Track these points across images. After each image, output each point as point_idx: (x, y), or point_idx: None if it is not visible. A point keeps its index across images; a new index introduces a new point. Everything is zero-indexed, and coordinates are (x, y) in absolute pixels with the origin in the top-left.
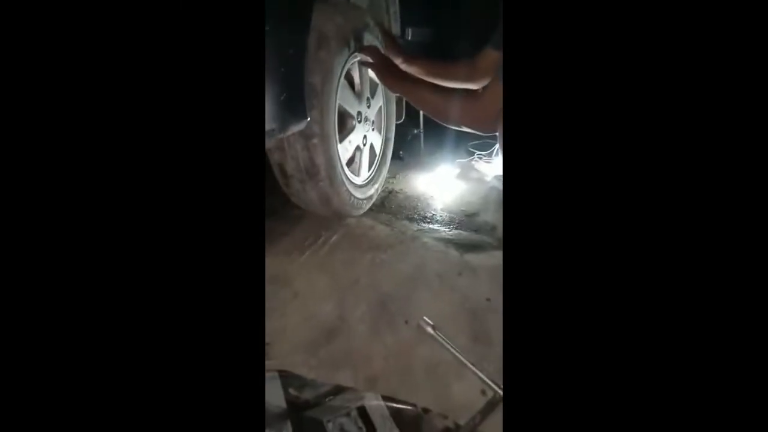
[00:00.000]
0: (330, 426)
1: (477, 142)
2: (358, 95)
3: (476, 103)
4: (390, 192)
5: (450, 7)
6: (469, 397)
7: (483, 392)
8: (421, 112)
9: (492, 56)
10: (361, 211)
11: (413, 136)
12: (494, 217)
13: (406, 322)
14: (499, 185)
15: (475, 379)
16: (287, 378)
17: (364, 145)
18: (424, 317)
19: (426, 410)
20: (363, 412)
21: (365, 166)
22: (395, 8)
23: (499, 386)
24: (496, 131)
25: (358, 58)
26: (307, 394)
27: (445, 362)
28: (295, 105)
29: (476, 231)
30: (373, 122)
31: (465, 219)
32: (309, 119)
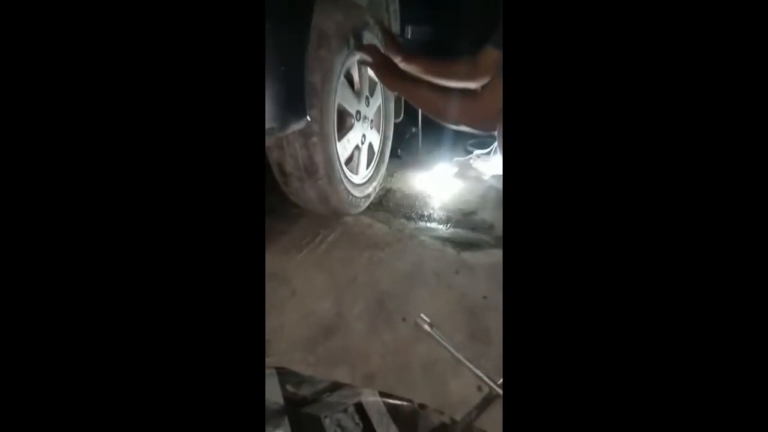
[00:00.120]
0: (327, 422)
1: (475, 140)
2: (358, 94)
3: (475, 101)
4: (388, 190)
5: (450, 6)
6: (466, 393)
7: (479, 388)
8: (420, 111)
9: (492, 55)
10: (359, 210)
11: (411, 135)
12: (491, 215)
13: (404, 319)
14: (497, 184)
15: (471, 375)
16: (285, 375)
17: (363, 143)
18: (422, 314)
19: (422, 406)
20: (360, 408)
21: (363, 165)
22: (395, 6)
23: (495, 382)
24: (495, 130)
25: (358, 57)
26: (305, 391)
27: (442, 359)
28: (295, 104)
29: (473, 229)
30: (371, 121)
31: (462, 217)
32: (308, 118)
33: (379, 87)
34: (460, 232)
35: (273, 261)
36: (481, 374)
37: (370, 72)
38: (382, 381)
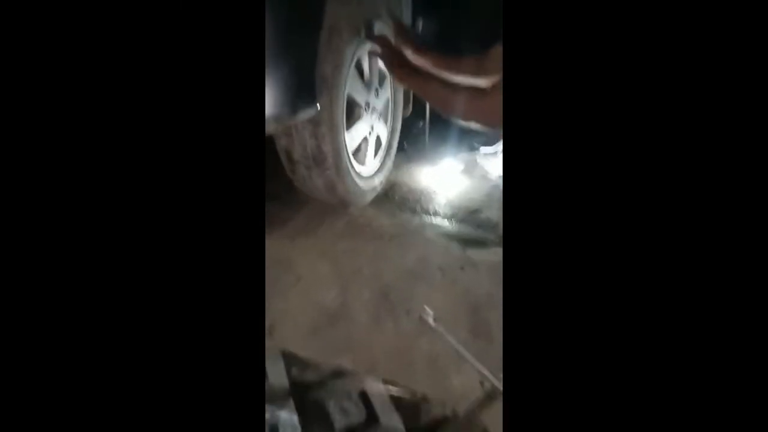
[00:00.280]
0: (331, 405)
1: (482, 138)
2: (367, 85)
3: (485, 99)
4: (394, 183)
5: (462, 0)
6: (468, 387)
7: (481, 383)
8: (428, 106)
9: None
10: (365, 201)
11: (418, 129)
12: (496, 214)
13: (408, 313)
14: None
15: (473, 370)
16: (290, 359)
17: (371, 135)
18: (426, 307)
19: (425, 398)
20: (364, 395)
21: (371, 156)
22: None
23: (497, 378)
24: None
25: (369, 47)
26: (310, 376)
27: (445, 353)
28: (306, 92)
29: (478, 227)
30: (380, 113)
31: (467, 215)
32: (318, 106)
33: (388, 79)
34: (465, 229)
35: (278, 247)
36: (483, 370)
37: (381, 63)
38: (385, 372)
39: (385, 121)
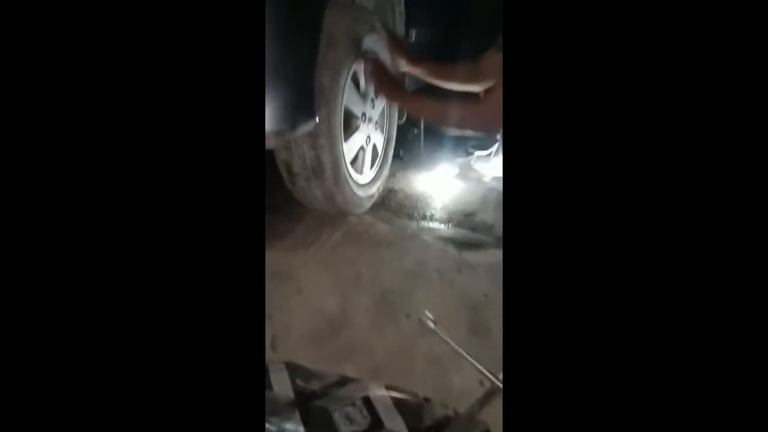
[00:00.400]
0: (336, 415)
1: (475, 142)
2: (363, 96)
3: (479, 105)
4: (390, 190)
5: (455, 9)
6: (468, 387)
7: (481, 383)
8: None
9: (496, 58)
10: (363, 209)
11: (413, 136)
12: (492, 216)
13: (408, 316)
14: (497, 185)
15: (473, 370)
16: (294, 370)
17: (368, 144)
18: (426, 311)
19: (427, 399)
20: (367, 402)
21: (368, 165)
22: (400, 9)
23: (496, 377)
24: (498, 133)
25: (358, 68)
26: (314, 385)
27: (445, 355)
28: (305, 106)
29: (474, 230)
30: (376, 122)
31: (463, 218)
32: (317, 119)
33: None
34: (462, 232)
35: (279, 258)
36: (482, 369)
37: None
38: (387, 375)
39: (381, 130)
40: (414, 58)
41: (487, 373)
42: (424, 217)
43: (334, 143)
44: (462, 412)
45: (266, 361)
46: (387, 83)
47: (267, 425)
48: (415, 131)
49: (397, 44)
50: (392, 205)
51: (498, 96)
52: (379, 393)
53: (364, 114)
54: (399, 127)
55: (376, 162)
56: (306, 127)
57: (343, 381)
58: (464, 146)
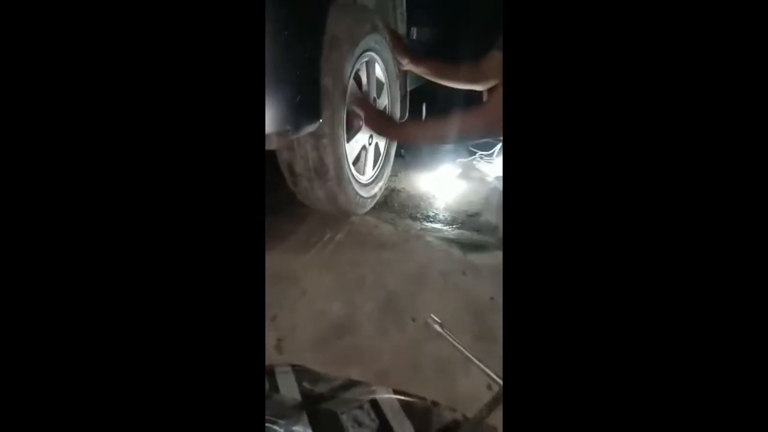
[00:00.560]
0: (344, 418)
1: (478, 141)
2: (366, 95)
3: (480, 112)
4: (392, 190)
5: (456, 9)
6: (476, 391)
7: (489, 387)
8: (423, 111)
9: (498, 59)
10: (366, 209)
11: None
12: (496, 217)
13: (413, 319)
14: (500, 185)
15: (481, 374)
16: (301, 372)
17: (370, 144)
18: (432, 315)
19: (435, 403)
20: (375, 405)
21: (370, 165)
22: (402, 9)
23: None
24: (501, 135)
25: (349, 108)
26: (321, 388)
27: (452, 358)
28: (309, 106)
29: (478, 231)
30: None
31: (467, 219)
32: (321, 120)
33: (385, 88)
34: (466, 234)
35: (282, 261)
36: (490, 373)
37: (378, 74)
38: (395, 379)
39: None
40: (416, 57)
41: (495, 377)
42: (427, 218)
43: (337, 143)
44: (470, 416)
45: (272, 364)
46: (380, 123)
47: (275, 428)
48: None
49: (400, 44)
50: (395, 205)
51: (499, 99)
52: (386, 396)
53: None
54: None
55: (379, 161)
56: (309, 128)
57: (350, 384)
58: (466, 146)
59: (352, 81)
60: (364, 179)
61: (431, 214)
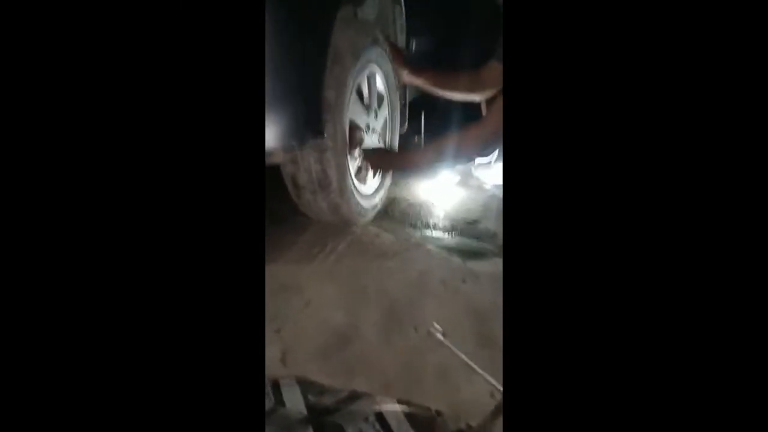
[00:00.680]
0: (351, 431)
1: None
2: (367, 108)
3: (478, 127)
4: (393, 199)
5: (455, 20)
6: (480, 399)
7: (492, 395)
8: (422, 120)
9: (497, 69)
10: (368, 219)
11: (414, 145)
12: (495, 224)
13: (416, 328)
14: (499, 192)
15: (483, 383)
16: (306, 385)
17: None
18: (434, 324)
19: (439, 413)
20: (380, 417)
21: (371, 176)
22: (401, 21)
23: None
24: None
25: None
26: (327, 400)
27: (455, 367)
28: (314, 121)
29: (477, 238)
30: (379, 133)
31: (466, 226)
32: (326, 135)
33: (386, 100)
34: (465, 241)
35: (285, 271)
36: (493, 381)
37: (379, 86)
38: (398, 388)
39: (384, 140)
40: (416, 69)
41: (498, 385)
42: (427, 226)
43: (340, 156)
44: (474, 425)
45: (277, 377)
46: (378, 159)
47: None
48: (416, 139)
49: (400, 56)
50: (395, 214)
51: (498, 111)
52: (391, 408)
53: (368, 125)
54: (401, 137)
55: (379, 171)
56: (314, 142)
57: (355, 396)
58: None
59: (354, 94)
60: (365, 189)
61: (431, 222)
